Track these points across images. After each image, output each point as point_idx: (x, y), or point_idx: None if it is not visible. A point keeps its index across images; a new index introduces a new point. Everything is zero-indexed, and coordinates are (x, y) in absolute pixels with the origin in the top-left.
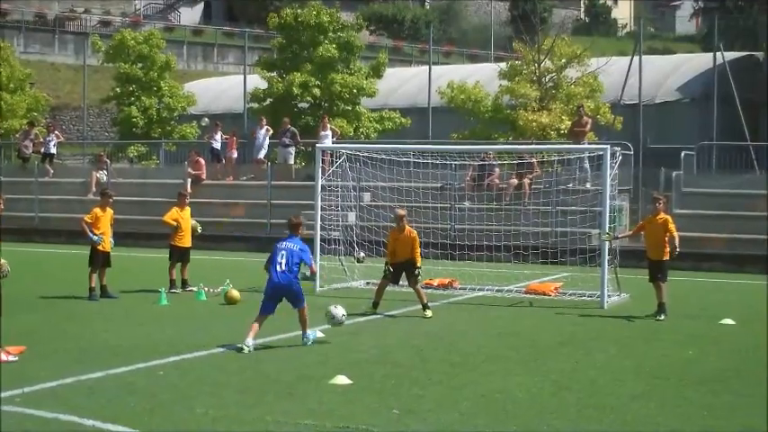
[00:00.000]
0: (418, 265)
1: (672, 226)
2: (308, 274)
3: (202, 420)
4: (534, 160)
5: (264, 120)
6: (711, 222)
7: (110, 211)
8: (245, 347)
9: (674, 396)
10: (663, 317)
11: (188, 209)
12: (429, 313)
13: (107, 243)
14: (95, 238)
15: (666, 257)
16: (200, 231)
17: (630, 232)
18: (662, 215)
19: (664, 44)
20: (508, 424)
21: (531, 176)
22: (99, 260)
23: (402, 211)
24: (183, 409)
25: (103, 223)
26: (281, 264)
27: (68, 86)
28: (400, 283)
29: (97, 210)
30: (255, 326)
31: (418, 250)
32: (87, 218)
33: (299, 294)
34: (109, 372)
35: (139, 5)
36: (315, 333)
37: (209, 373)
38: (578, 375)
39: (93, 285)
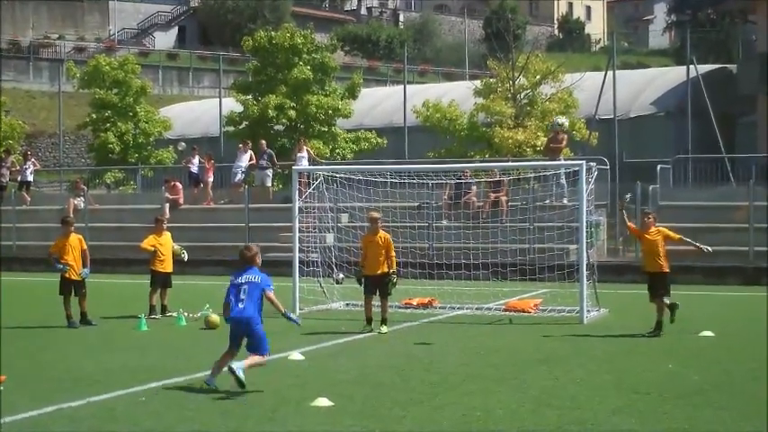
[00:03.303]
0: (392, 270)
1: (672, 234)
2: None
3: None
4: (503, 179)
5: (249, 143)
6: (689, 235)
7: (74, 237)
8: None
9: (655, 410)
10: (658, 333)
11: (167, 234)
12: (384, 329)
13: (72, 271)
14: (59, 266)
15: (667, 270)
16: (185, 258)
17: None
18: (654, 228)
19: (637, 59)
20: None
21: (500, 194)
22: (68, 288)
23: (377, 214)
24: None
25: (68, 251)
26: (242, 300)
27: (44, 113)
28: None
29: (59, 238)
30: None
31: (393, 254)
32: (52, 248)
33: (261, 338)
34: (89, 399)
35: (113, 31)
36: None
37: (190, 399)
38: (558, 391)
39: (69, 313)
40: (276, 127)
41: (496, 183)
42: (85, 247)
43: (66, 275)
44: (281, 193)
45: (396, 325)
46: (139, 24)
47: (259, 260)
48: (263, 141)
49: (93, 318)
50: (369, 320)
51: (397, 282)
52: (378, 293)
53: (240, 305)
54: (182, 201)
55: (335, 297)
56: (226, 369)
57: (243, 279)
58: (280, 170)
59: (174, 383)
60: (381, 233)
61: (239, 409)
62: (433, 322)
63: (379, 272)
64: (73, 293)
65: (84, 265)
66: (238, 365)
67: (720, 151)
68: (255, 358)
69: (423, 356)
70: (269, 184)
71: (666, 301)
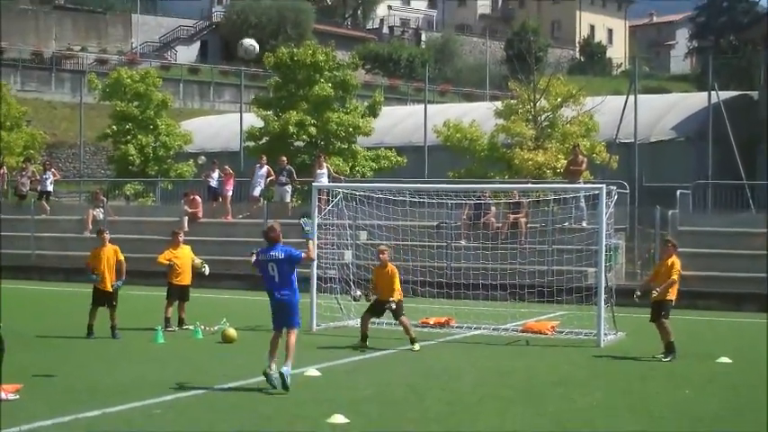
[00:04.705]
0: (391, 298)
1: (675, 272)
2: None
3: None
4: (523, 200)
5: (265, 158)
6: (707, 261)
7: (110, 248)
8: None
9: None
10: (670, 357)
11: (185, 247)
12: (417, 347)
13: (105, 282)
14: (92, 277)
15: (670, 297)
16: (206, 272)
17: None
18: (671, 258)
19: (659, 83)
20: None
21: (519, 216)
22: (96, 298)
23: (382, 247)
24: None
25: (100, 262)
26: (274, 277)
27: (65, 124)
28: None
29: (95, 249)
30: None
31: (396, 284)
32: (89, 259)
33: (294, 310)
34: (105, 410)
35: (136, 44)
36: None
37: (205, 413)
38: (575, 414)
39: (91, 323)
40: (296, 143)
41: (516, 204)
42: (121, 258)
43: (98, 286)
44: (300, 209)
45: (411, 344)
46: (162, 38)
47: (280, 237)
48: (284, 157)
49: (118, 333)
50: (364, 337)
51: (394, 308)
52: (392, 316)
53: (278, 283)
54: (201, 214)
55: (352, 314)
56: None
57: (269, 255)
58: (299, 186)
59: (190, 396)
60: (390, 266)
61: (255, 423)
62: (449, 342)
63: (389, 297)
64: (105, 305)
65: (118, 277)
66: (287, 370)
67: (740, 177)
68: (291, 348)
69: (439, 376)
70: (288, 199)
71: (670, 338)
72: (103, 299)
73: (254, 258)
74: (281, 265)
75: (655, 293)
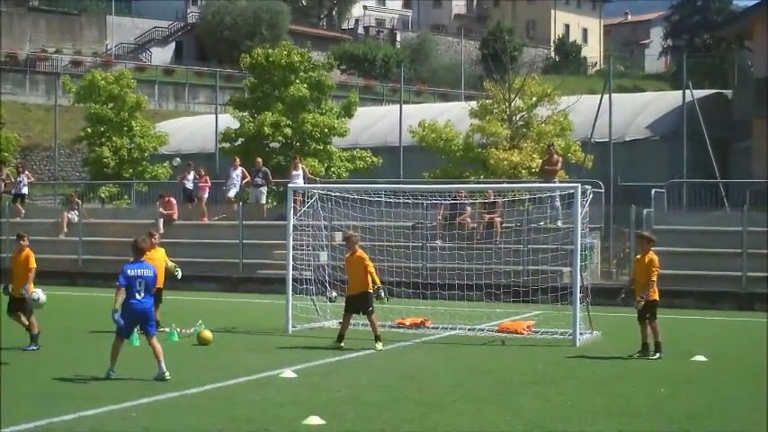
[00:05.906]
0: (375, 286)
1: (654, 273)
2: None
3: None
4: (498, 200)
5: (238, 160)
6: (682, 259)
7: (25, 253)
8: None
9: None
10: (658, 355)
11: (160, 250)
12: (380, 346)
13: (16, 288)
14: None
15: (655, 297)
16: (178, 276)
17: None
18: (649, 255)
19: (633, 82)
20: None
21: (494, 215)
22: (11, 305)
23: (350, 232)
24: None
25: (15, 266)
26: (140, 291)
27: (39, 126)
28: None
29: (14, 253)
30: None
31: (372, 272)
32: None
33: (152, 319)
34: (80, 414)
35: (110, 45)
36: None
37: (181, 415)
38: (550, 414)
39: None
40: (272, 144)
41: (491, 204)
42: (32, 265)
43: (12, 293)
44: (276, 211)
45: (388, 344)
46: (137, 39)
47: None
48: (259, 159)
49: (42, 337)
50: (340, 337)
51: (385, 296)
52: (360, 313)
53: (139, 296)
54: (176, 216)
55: (328, 315)
56: (156, 376)
57: (140, 272)
58: (275, 188)
59: (166, 399)
60: (359, 252)
61: (232, 425)
62: (425, 342)
63: (358, 291)
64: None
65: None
66: (163, 370)
67: (715, 176)
68: (159, 351)
69: (414, 376)
70: (263, 201)
71: (658, 337)
72: (17, 305)
73: (121, 280)
74: (149, 282)
75: (641, 301)
